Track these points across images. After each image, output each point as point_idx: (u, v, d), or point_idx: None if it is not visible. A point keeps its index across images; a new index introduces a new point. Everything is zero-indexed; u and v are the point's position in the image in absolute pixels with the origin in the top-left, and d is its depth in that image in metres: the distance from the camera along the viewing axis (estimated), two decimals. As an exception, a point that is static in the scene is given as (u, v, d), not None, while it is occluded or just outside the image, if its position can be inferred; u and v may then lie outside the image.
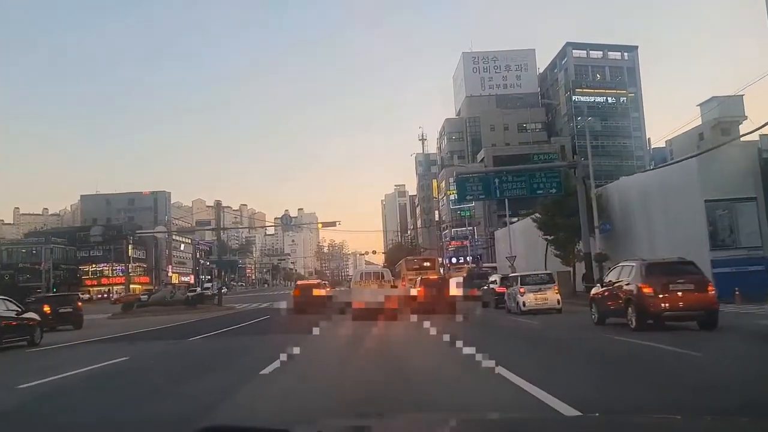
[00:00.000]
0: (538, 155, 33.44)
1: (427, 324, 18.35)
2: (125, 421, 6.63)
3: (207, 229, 51.16)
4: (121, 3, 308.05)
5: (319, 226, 46.98)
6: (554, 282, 24.07)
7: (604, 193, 32.98)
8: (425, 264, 38.52)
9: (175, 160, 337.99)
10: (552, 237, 34.72)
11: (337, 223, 43.73)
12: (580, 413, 5.46)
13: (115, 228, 79.86)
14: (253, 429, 2.41)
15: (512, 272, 42.67)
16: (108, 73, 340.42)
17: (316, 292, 33.07)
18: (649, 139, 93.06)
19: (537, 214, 36.32)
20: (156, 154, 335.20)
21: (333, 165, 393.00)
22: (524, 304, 22.88)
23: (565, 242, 33.79)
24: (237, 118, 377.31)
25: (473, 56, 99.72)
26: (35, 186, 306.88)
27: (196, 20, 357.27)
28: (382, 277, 26.14)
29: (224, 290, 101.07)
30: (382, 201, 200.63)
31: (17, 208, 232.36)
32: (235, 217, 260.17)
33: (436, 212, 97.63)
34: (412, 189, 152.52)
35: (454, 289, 28.60)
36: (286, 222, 43.13)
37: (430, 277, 32.70)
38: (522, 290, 23.39)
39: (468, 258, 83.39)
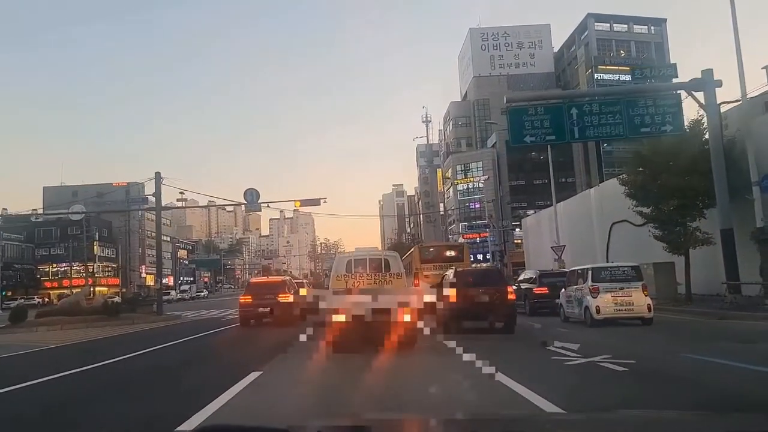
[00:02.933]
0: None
1: (501, 369, 7.96)
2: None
3: (144, 209, 38.33)
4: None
5: (297, 204, 33.83)
6: (642, 279, 16.12)
7: (738, 135, 19.61)
8: (449, 253, 25.18)
9: (170, 160, 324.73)
10: (651, 208, 21.41)
11: (323, 200, 30.06)
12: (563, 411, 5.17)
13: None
14: (252, 428, 2.17)
15: (560, 267, 30.36)
16: (105, 68, 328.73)
17: (275, 296, 19.88)
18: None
19: (623, 175, 22.97)
20: (151, 153, 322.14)
21: (330, 166, 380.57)
22: (598, 310, 15.57)
23: (673, 216, 20.52)
24: (236, 120, 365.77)
25: (482, 32, 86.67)
26: (29, 186, 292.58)
27: (189, 11, 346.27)
28: (386, 267, 12.83)
29: (204, 293, 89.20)
30: (379, 201, 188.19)
31: (5, 209, 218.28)
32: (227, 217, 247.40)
33: (441, 205, 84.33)
34: (410, 189, 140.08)
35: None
36: (250, 200, 29.77)
37: (473, 269, 19.94)
38: (594, 289, 15.78)
39: (478, 256, 70.32)
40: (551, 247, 32.18)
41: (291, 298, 19.77)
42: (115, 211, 60.56)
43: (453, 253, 25.12)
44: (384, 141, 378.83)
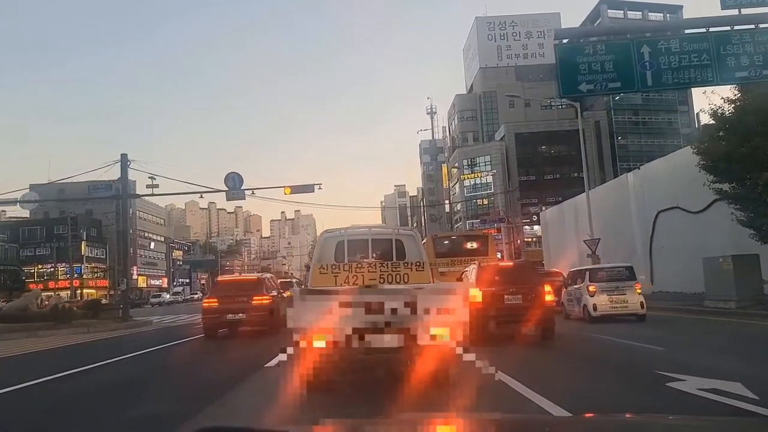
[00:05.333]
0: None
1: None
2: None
3: (106, 198, 33.30)
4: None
5: (287, 191, 29.10)
6: (635, 278, 16.69)
7: None
8: (469, 245, 20.22)
9: (172, 161, 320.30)
10: (735, 184, 16.47)
11: (317, 186, 25.08)
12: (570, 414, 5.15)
13: None
14: (252, 430, 2.14)
15: (594, 263, 25.76)
16: (99, 63, 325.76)
17: (248, 299, 15.02)
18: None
19: (696, 144, 17.96)
20: (152, 154, 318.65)
21: (331, 169, 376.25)
22: (595, 308, 16.07)
23: (764, 194, 15.59)
24: (238, 120, 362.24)
25: (488, 21, 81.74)
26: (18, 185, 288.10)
27: (194, 17, 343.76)
28: (400, 252, 7.87)
29: (199, 295, 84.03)
30: (381, 202, 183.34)
31: (4, 211, 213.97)
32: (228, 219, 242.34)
33: (447, 203, 79.29)
34: (413, 190, 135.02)
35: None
36: (232, 186, 25.00)
37: (501, 264, 15.57)
38: (592, 288, 16.29)
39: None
40: (584, 241, 27.19)
41: (269, 302, 14.87)
42: (75, 200, 55.38)
43: (474, 245, 20.16)
44: (386, 143, 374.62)
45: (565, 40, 14.04)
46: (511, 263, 15.49)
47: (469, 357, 6.11)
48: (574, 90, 13.82)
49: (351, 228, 8.43)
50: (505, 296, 12.21)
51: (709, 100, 15.93)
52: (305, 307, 6.13)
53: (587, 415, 4.15)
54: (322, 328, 6.00)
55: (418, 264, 7.77)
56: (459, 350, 6.03)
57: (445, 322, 6.03)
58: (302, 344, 6.02)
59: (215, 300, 15.14)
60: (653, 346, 10.48)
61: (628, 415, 3.06)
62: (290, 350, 6.12)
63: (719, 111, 16.21)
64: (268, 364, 9.28)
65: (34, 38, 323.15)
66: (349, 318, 6.01)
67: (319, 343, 5.98)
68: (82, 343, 17.78)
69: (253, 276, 18.67)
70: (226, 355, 11.96)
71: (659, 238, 25.68)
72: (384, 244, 8.05)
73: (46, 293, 69.54)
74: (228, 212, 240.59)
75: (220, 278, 18.73)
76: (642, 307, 15.94)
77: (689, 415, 4.26)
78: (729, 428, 2.26)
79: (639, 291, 16.28)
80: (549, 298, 12.39)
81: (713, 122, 16.64)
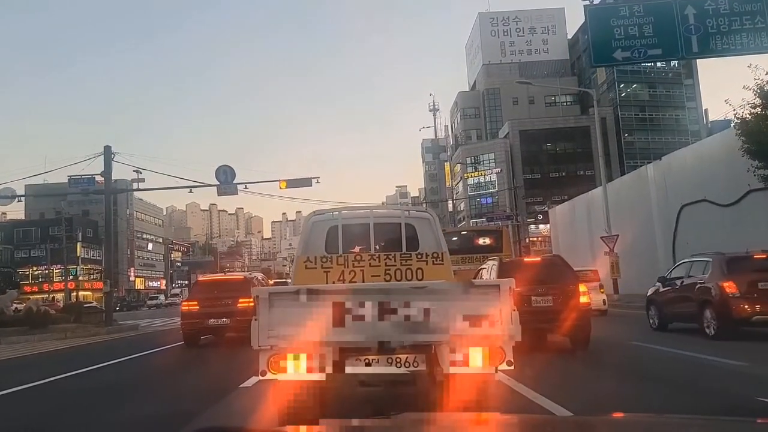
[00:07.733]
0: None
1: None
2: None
3: (87, 193, 30.99)
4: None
5: (283, 185, 27.20)
6: (599, 280, 19.48)
7: None
8: (482, 241, 18.34)
9: (171, 161, 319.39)
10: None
11: (315, 180, 23.05)
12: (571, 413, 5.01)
13: None
14: (253, 431, 2.05)
15: (612, 261, 24.24)
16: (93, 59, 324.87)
17: (234, 302, 13.10)
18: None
19: (739, 124, 15.93)
20: (150, 154, 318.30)
21: (332, 167, 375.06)
22: None
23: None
24: (237, 121, 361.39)
25: (491, 17, 79.83)
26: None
27: (198, 23, 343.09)
28: (412, 241, 5.91)
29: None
30: (383, 203, 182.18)
31: (4, 213, 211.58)
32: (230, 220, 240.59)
33: (450, 202, 77.40)
34: (414, 190, 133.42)
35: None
36: (224, 180, 23.26)
37: (527, 260, 13.72)
38: None
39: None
40: (601, 238, 25.25)
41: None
42: (56, 195, 53.51)
43: (487, 241, 18.25)
44: (387, 143, 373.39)
45: (596, 0, 12.10)
46: (538, 259, 13.45)
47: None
48: (608, 58, 11.97)
49: (347, 210, 6.48)
50: (533, 297, 10.35)
51: (755, 75, 13.99)
52: (276, 316, 4.18)
53: (588, 415, 4.01)
54: (301, 347, 4.05)
55: (435, 256, 5.84)
56: (504, 378, 4.08)
57: (482, 337, 4.07)
58: (272, 371, 4.08)
59: (195, 303, 13.18)
60: (719, 359, 8.54)
61: (628, 415, 2.87)
62: (255, 380, 4.19)
63: (766, 87, 14.23)
64: (244, 384, 7.39)
65: (30, 38, 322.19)
66: (342, 332, 4.06)
67: (298, 370, 4.03)
68: (52, 350, 15.92)
69: (240, 275, 16.67)
70: (199, 369, 10.04)
71: (683, 234, 23.67)
72: (390, 230, 6.12)
73: (40, 295, 67.72)
74: (229, 213, 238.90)
75: (201, 278, 16.71)
76: (604, 304, 18.59)
77: (689, 415, 3.96)
78: (729, 428, 2.16)
79: (602, 291, 18.97)
80: (584, 299, 10.52)
81: (758, 100, 14.65)
